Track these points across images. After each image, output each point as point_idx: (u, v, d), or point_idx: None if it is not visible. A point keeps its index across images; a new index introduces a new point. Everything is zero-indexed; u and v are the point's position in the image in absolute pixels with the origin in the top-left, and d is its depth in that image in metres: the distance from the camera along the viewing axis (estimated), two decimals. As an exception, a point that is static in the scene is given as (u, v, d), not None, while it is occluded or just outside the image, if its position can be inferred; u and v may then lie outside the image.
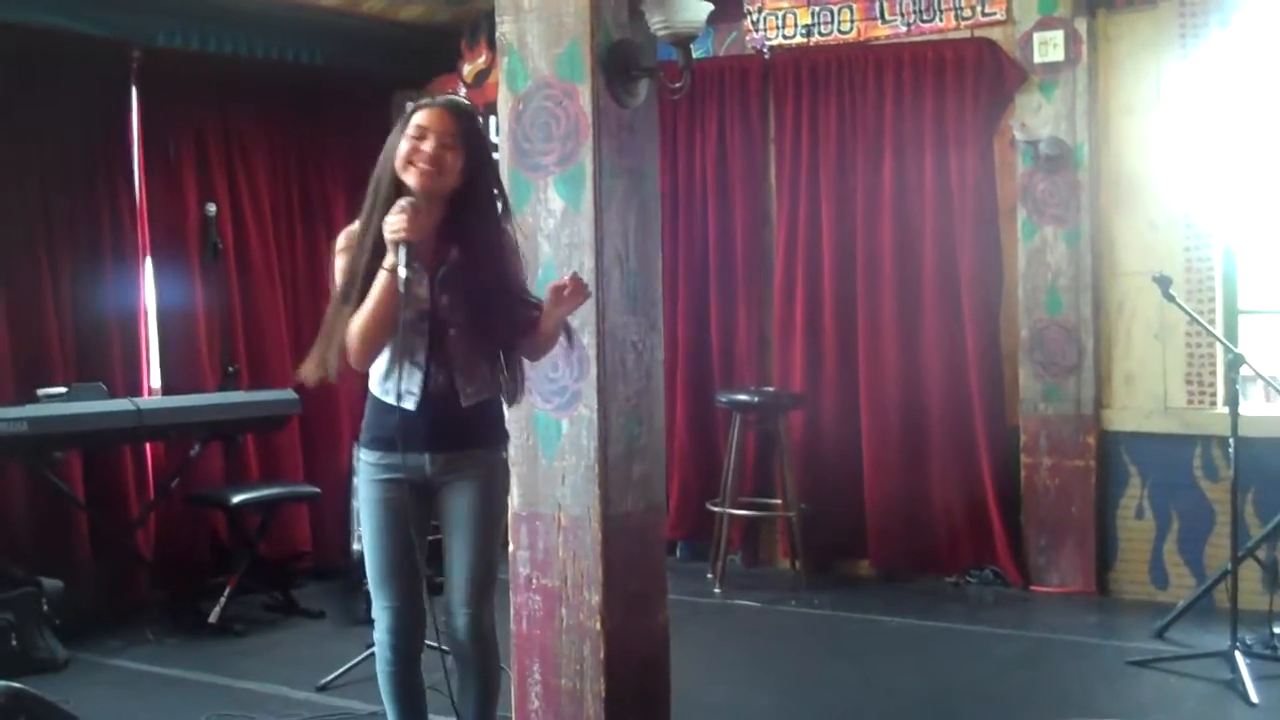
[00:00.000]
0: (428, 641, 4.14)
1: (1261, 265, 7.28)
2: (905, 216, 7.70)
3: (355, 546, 6.85)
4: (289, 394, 7.46)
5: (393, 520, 3.99)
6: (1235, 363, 5.85)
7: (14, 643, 6.08)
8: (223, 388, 7.52)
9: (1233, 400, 5.85)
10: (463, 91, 8.47)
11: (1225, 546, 6.35)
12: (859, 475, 7.83)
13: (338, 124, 8.21)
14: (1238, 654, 5.74)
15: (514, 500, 4.38)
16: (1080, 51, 7.28)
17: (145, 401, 6.99)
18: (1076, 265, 7.35)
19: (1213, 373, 7.07)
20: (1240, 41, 6.97)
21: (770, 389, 7.94)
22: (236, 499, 7.10)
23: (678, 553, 8.29)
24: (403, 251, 3.74)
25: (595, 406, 4.27)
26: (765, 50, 8.11)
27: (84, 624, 6.60)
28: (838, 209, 7.86)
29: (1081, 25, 7.28)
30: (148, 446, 7.40)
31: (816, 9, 7.98)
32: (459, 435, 3.97)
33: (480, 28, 8.45)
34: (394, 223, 3.75)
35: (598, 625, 4.29)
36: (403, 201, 3.78)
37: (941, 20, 7.64)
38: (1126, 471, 7.32)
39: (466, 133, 3.92)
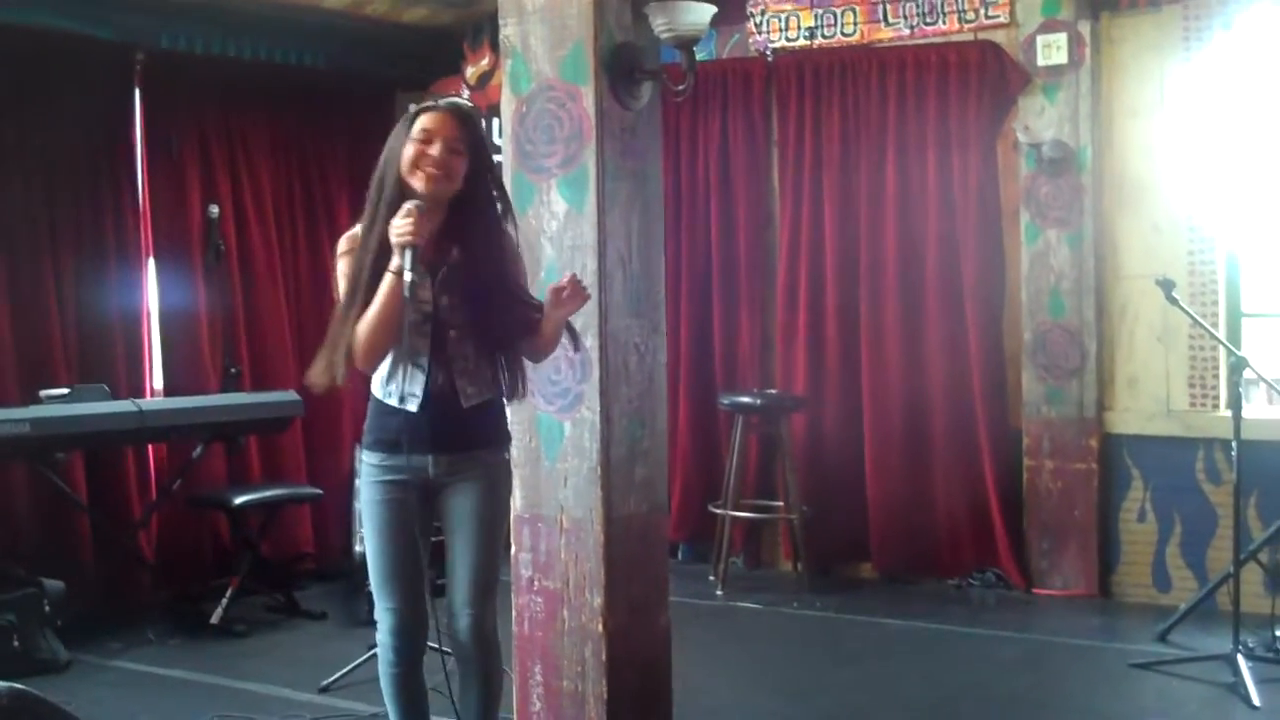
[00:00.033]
0: (430, 643, 4.14)
1: (1264, 268, 7.28)
2: (908, 219, 7.69)
3: (357, 548, 6.86)
4: (291, 395, 7.46)
5: (396, 522, 3.99)
6: (1238, 366, 5.84)
7: (16, 644, 6.08)
8: (225, 389, 7.52)
9: (1235, 403, 5.84)
10: (466, 94, 8.48)
11: (1228, 550, 6.35)
12: (861, 478, 7.83)
13: (341, 126, 8.22)
14: (1240, 657, 5.73)
15: (516, 502, 4.39)
16: (1084, 54, 7.28)
17: (147, 403, 7.00)
18: (1079, 268, 7.35)
19: (1215, 376, 7.07)
20: (1244, 44, 6.97)
21: (773, 391, 7.94)
22: (238, 500, 7.11)
23: (679, 555, 8.28)
24: (408, 255, 3.74)
25: (598, 409, 4.27)
26: (768, 53, 8.11)
27: (86, 625, 6.61)
28: (840, 212, 7.86)
29: (1085, 28, 7.28)
30: (150, 448, 7.41)
31: (819, 11, 7.98)
32: (461, 436, 3.97)
33: (483, 30, 8.46)
34: (400, 226, 3.75)
35: (599, 627, 4.29)
36: (409, 204, 3.78)
37: (944, 23, 7.64)
38: (1129, 474, 7.32)
39: (470, 136, 3.93)
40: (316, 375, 3.91)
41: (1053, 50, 7.30)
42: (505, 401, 4.12)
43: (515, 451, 4.33)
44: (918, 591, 7.64)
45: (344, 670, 5.86)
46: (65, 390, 6.62)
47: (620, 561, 4.33)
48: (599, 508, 4.28)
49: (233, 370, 7.63)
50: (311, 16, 8.01)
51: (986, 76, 7.52)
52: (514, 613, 4.45)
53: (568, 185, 4.30)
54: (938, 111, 7.60)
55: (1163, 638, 6.46)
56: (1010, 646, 6.55)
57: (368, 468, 4.04)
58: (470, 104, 4.22)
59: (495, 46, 7.76)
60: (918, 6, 7.69)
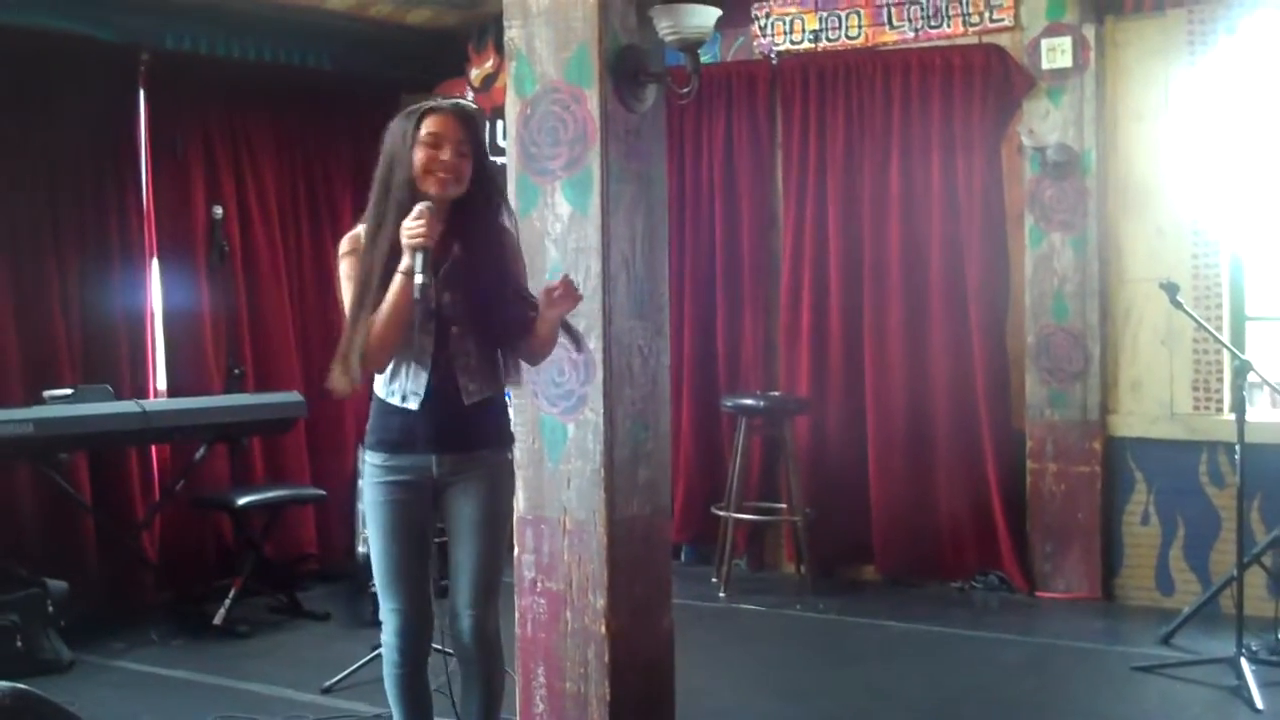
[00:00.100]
0: (433, 644, 4.14)
1: (1268, 272, 7.26)
2: (912, 222, 7.69)
3: (360, 548, 6.86)
4: (294, 396, 7.48)
5: (400, 522, 3.99)
6: (1242, 369, 5.84)
7: (19, 644, 6.09)
8: (228, 390, 7.53)
9: (1239, 406, 5.84)
10: (470, 95, 8.49)
11: (1231, 553, 6.34)
12: (864, 480, 7.83)
13: (345, 127, 8.22)
14: (1243, 660, 5.73)
15: (519, 504, 4.39)
16: (1088, 58, 7.27)
17: (151, 403, 7.00)
18: (1083, 272, 7.35)
19: (1219, 379, 7.07)
20: (1248, 48, 6.97)
21: (776, 393, 7.93)
22: (242, 501, 7.11)
23: (682, 557, 8.29)
24: (419, 257, 3.74)
25: (601, 410, 4.27)
26: (773, 56, 8.11)
27: (89, 625, 6.61)
28: (844, 214, 7.86)
29: (1089, 31, 7.28)
30: (153, 448, 7.42)
31: (824, 14, 7.98)
32: (464, 436, 3.97)
33: (488, 32, 8.47)
34: (413, 228, 3.75)
35: (602, 629, 4.29)
36: (421, 206, 3.78)
37: (949, 26, 7.64)
38: (1132, 477, 7.32)
39: (474, 137, 3.95)
40: (336, 382, 3.90)
41: (1057, 54, 7.30)
42: (506, 394, 4.12)
43: (518, 453, 4.33)
44: (920, 594, 7.64)
45: (347, 671, 5.86)
46: (69, 391, 6.63)
47: (623, 563, 4.33)
48: (602, 509, 4.28)
49: (236, 371, 7.64)
50: (316, 18, 8.02)
51: (991, 80, 7.52)
52: (517, 614, 4.45)
53: (572, 187, 4.30)
54: (942, 115, 7.60)
55: (1166, 641, 6.46)
56: (1013, 649, 6.55)
57: (371, 468, 4.04)
58: (471, 104, 4.23)
59: (500, 48, 7.74)
60: (922, 9, 7.69)
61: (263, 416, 7.35)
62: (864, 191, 7.82)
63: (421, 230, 3.74)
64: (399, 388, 3.94)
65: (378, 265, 3.84)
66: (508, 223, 4.11)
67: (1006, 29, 7.51)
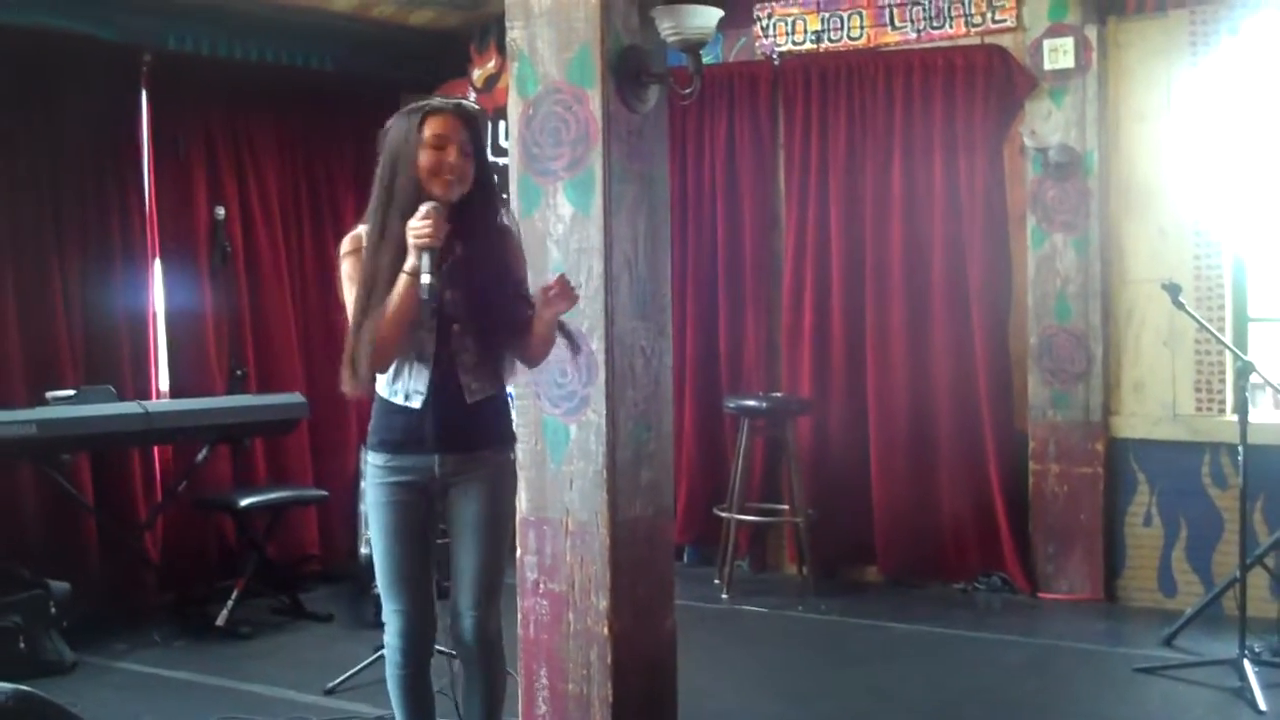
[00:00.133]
0: (436, 646, 4.14)
1: (1271, 273, 7.26)
2: (914, 223, 7.69)
3: (363, 550, 6.86)
4: (297, 397, 7.48)
5: (403, 523, 3.99)
6: (1244, 370, 5.84)
7: (22, 645, 6.09)
8: (231, 391, 7.53)
9: (1242, 408, 5.84)
10: (472, 96, 8.49)
11: (1234, 554, 6.33)
12: (867, 481, 7.82)
13: (347, 128, 8.22)
14: (1246, 662, 5.73)
15: (522, 505, 4.38)
16: (1090, 58, 7.27)
17: (154, 404, 7.00)
18: (1085, 272, 7.34)
19: (1222, 380, 7.06)
20: (1251, 49, 6.96)
21: (778, 394, 7.93)
22: (244, 502, 7.11)
23: (685, 558, 8.29)
24: (426, 257, 3.74)
25: (604, 412, 4.27)
26: (775, 56, 8.11)
27: (91, 627, 6.61)
28: (847, 215, 7.86)
29: (1092, 32, 7.27)
30: (156, 449, 7.42)
31: (826, 15, 7.98)
32: (467, 435, 3.97)
33: (490, 32, 8.47)
34: (421, 228, 3.75)
35: (605, 630, 4.29)
36: (427, 206, 3.78)
37: (951, 27, 7.64)
38: (1135, 479, 7.31)
39: (476, 137, 3.96)
40: (347, 385, 3.90)
41: (1059, 54, 7.30)
42: (509, 394, 4.12)
43: (520, 454, 4.33)
44: (923, 595, 7.64)
45: (349, 672, 5.86)
46: (71, 392, 6.63)
47: (626, 564, 4.32)
48: (604, 511, 4.28)
49: (239, 372, 7.64)
50: (318, 19, 8.02)
51: (993, 81, 7.52)
52: (519, 615, 4.44)
53: (574, 188, 4.30)
54: (944, 115, 7.60)
55: (1168, 642, 6.46)
56: (1015, 651, 6.54)
57: (373, 469, 4.03)
58: (471, 103, 4.23)
59: (502, 49, 7.74)
60: (924, 10, 7.69)
61: (265, 417, 7.34)
62: (866, 192, 7.82)
63: (428, 230, 3.74)
64: (401, 387, 3.95)
65: (384, 267, 3.83)
66: (507, 221, 4.12)
67: (1009, 30, 7.51)
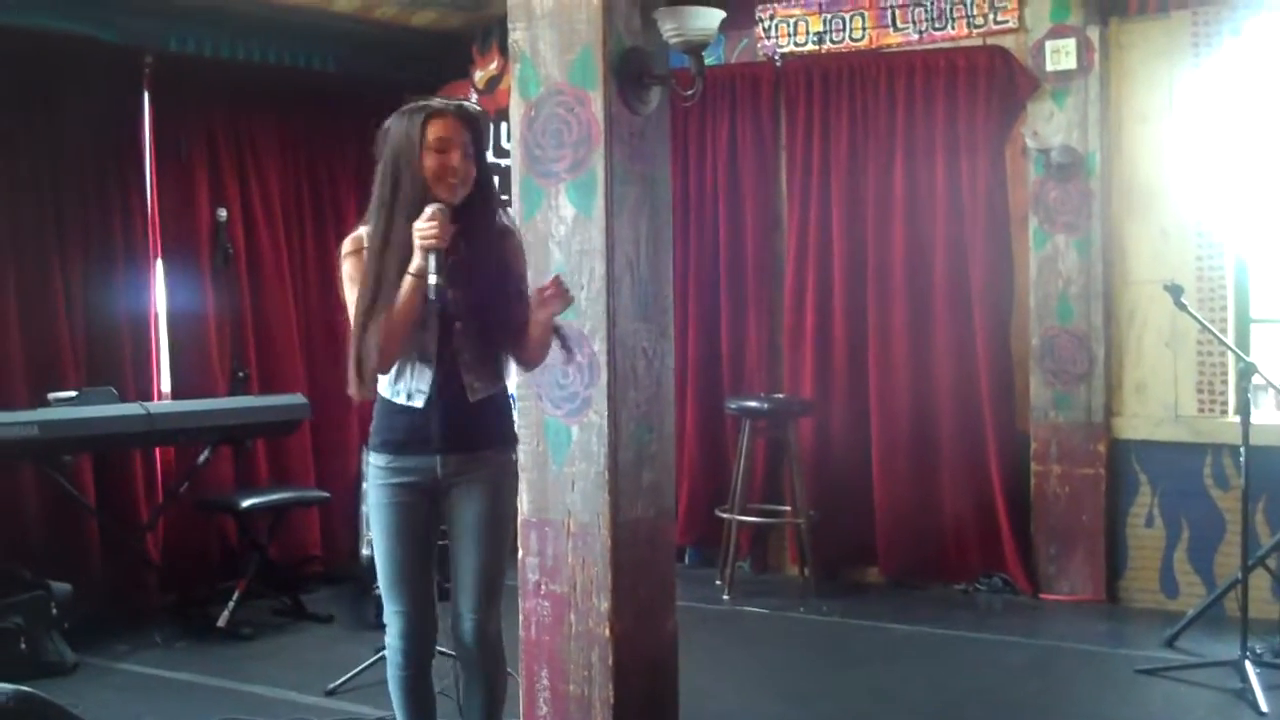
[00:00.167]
0: (439, 647, 4.14)
1: (1273, 274, 7.26)
2: (916, 224, 7.69)
3: (364, 551, 6.86)
4: (299, 398, 7.48)
5: (405, 524, 3.99)
6: (1246, 371, 5.84)
7: (23, 646, 6.09)
8: (233, 392, 7.53)
9: (1244, 409, 5.83)
10: (474, 98, 8.49)
11: (1236, 555, 6.33)
12: (868, 482, 7.82)
13: (349, 129, 8.21)
14: (1248, 663, 5.72)
15: (524, 506, 4.39)
16: (1092, 59, 7.27)
17: (155, 406, 7.00)
18: (1088, 273, 7.34)
19: (1224, 381, 7.06)
20: (1253, 50, 6.96)
21: (780, 395, 7.93)
22: (246, 503, 7.11)
23: (686, 559, 8.28)
24: (432, 259, 3.74)
25: (605, 413, 4.27)
26: (777, 57, 8.11)
27: (93, 628, 6.61)
28: (849, 216, 7.86)
29: (1094, 33, 7.27)
30: (157, 450, 7.42)
31: (828, 16, 7.98)
32: (469, 435, 3.96)
33: (492, 34, 8.47)
34: (428, 229, 3.75)
35: (606, 631, 4.29)
36: (433, 208, 3.78)
37: (953, 28, 7.64)
38: (1137, 480, 7.31)
39: (477, 139, 3.97)
40: (355, 389, 3.90)
41: (1061, 55, 7.29)
42: (510, 394, 4.12)
43: (522, 455, 4.33)
44: (924, 596, 7.63)
45: (351, 673, 5.86)
46: (73, 393, 6.63)
47: (627, 566, 4.33)
48: (606, 512, 4.28)
49: (240, 373, 7.64)
50: (320, 20, 8.02)
51: (995, 82, 7.51)
52: (521, 617, 4.45)
53: (576, 189, 4.30)
54: (946, 116, 7.60)
55: (1170, 643, 6.45)
56: (1017, 652, 6.54)
57: (375, 470, 4.03)
58: (471, 104, 4.23)
59: (504, 50, 7.77)
60: (926, 12, 7.69)
61: (267, 418, 7.34)
62: (868, 193, 7.82)
63: (435, 232, 3.74)
64: (404, 387, 3.95)
65: (390, 269, 3.83)
66: (506, 222, 4.12)
67: (1011, 31, 7.51)
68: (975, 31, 7.60)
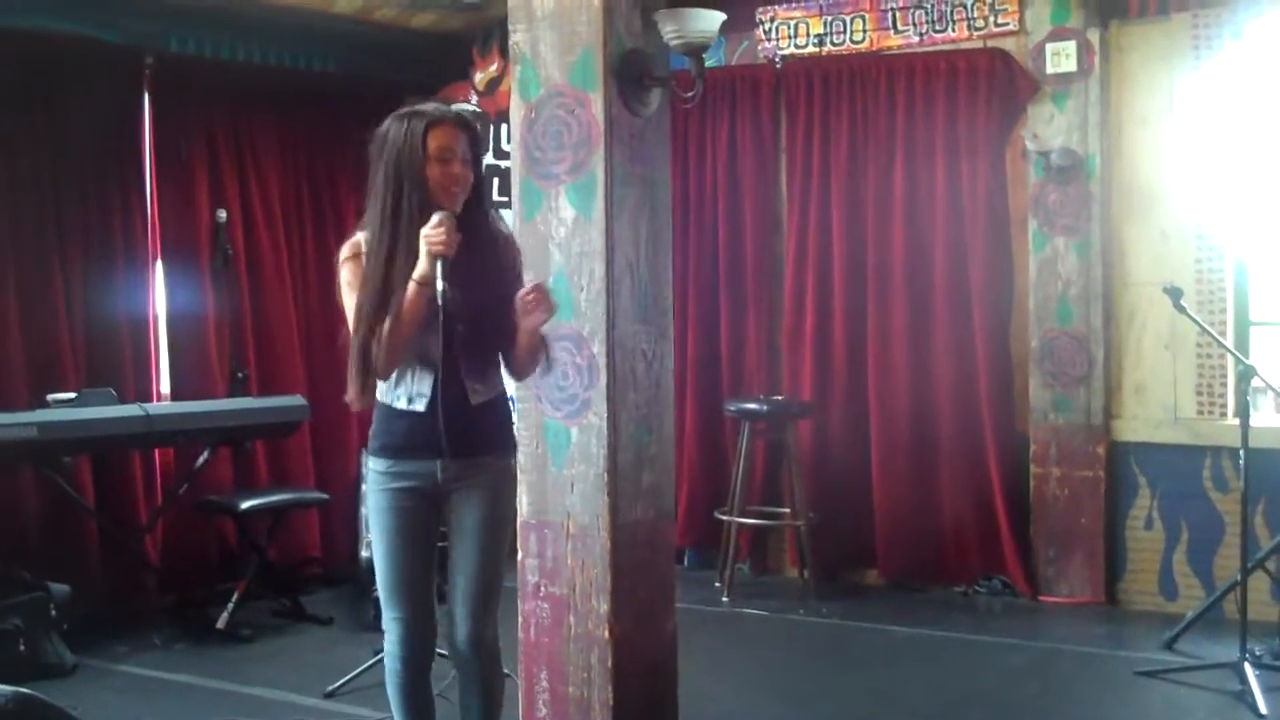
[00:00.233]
0: (439, 650, 4.14)
1: (1272, 277, 7.26)
2: (916, 226, 7.69)
3: (364, 553, 6.86)
4: (298, 400, 7.48)
5: (404, 530, 3.98)
6: (1246, 374, 5.84)
7: (22, 647, 6.09)
8: (232, 393, 7.53)
9: (1243, 411, 5.83)
10: (474, 99, 8.49)
11: (1235, 558, 6.34)
12: (868, 484, 7.82)
13: (350, 131, 8.11)
14: (1247, 665, 5.73)
15: (523, 508, 4.38)
16: (1093, 62, 7.27)
17: (155, 407, 7.00)
18: (1087, 276, 7.34)
19: (1223, 384, 7.06)
20: (1253, 53, 6.96)
21: (779, 397, 7.93)
22: (245, 505, 7.11)
23: (685, 561, 8.28)
24: (440, 265, 3.74)
25: (605, 415, 4.27)
26: (777, 60, 8.11)
27: (92, 629, 6.61)
28: (848, 218, 7.86)
29: (1094, 36, 7.27)
30: (157, 452, 7.42)
31: (829, 19, 7.98)
32: (469, 440, 3.95)
33: (492, 35, 8.47)
34: (436, 236, 3.75)
35: (606, 633, 4.28)
36: (441, 215, 3.78)
37: (954, 30, 7.64)
38: (1136, 482, 7.31)
39: (475, 144, 3.99)
40: (355, 397, 3.90)
41: (1062, 58, 7.30)
42: (510, 398, 4.12)
43: (522, 457, 4.33)
44: (924, 598, 7.63)
45: (350, 675, 5.86)
46: (72, 394, 6.63)
47: (627, 568, 4.32)
48: (605, 514, 4.27)
49: (240, 375, 7.64)
50: (320, 21, 8.01)
51: (995, 84, 7.52)
52: (520, 618, 4.44)
53: (576, 191, 4.30)
54: (946, 119, 7.60)
55: (1169, 645, 6.45)
56: (1016, 654, 6.54)
57: (375, 475, 4.02)
58: (468, 109, 4.24)
59: (504, 52, 7.77)
60: (927, 14, 7.69)
61: (266, 420, 7.34)
62: (868, 195, 7.82)
63: (444, 238, 3.74)
64: (404, 391, 3.94)
65: (397, 276, 3.82)
66: (503, 226, 4.14)
67: (1011, 33, 7.51)
68: (976, 34, 7.60)
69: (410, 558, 3.99)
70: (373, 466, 4.03)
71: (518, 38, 4.42)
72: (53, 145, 6.98)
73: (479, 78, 8.69)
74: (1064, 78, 7.33)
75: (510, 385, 4.15)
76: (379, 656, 4.43)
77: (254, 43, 8.04)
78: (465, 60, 8.73)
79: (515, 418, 4.25)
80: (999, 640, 6.76)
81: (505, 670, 4.20)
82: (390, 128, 3.95)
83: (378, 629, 4.20)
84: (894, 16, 7.79)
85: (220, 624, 6.85)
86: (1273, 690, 5.64)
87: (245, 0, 7.55)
